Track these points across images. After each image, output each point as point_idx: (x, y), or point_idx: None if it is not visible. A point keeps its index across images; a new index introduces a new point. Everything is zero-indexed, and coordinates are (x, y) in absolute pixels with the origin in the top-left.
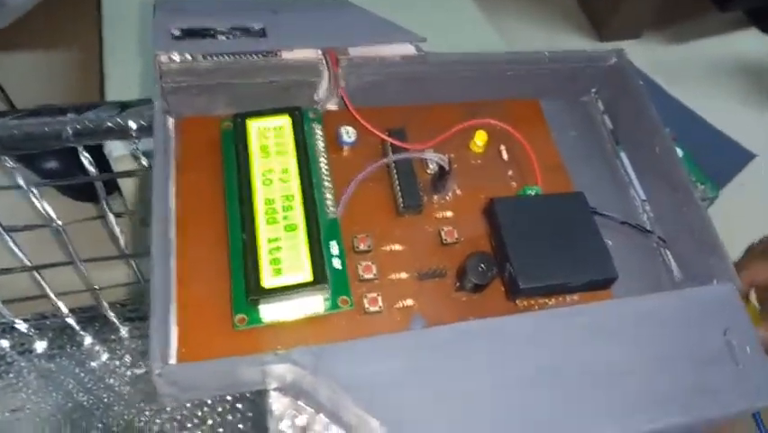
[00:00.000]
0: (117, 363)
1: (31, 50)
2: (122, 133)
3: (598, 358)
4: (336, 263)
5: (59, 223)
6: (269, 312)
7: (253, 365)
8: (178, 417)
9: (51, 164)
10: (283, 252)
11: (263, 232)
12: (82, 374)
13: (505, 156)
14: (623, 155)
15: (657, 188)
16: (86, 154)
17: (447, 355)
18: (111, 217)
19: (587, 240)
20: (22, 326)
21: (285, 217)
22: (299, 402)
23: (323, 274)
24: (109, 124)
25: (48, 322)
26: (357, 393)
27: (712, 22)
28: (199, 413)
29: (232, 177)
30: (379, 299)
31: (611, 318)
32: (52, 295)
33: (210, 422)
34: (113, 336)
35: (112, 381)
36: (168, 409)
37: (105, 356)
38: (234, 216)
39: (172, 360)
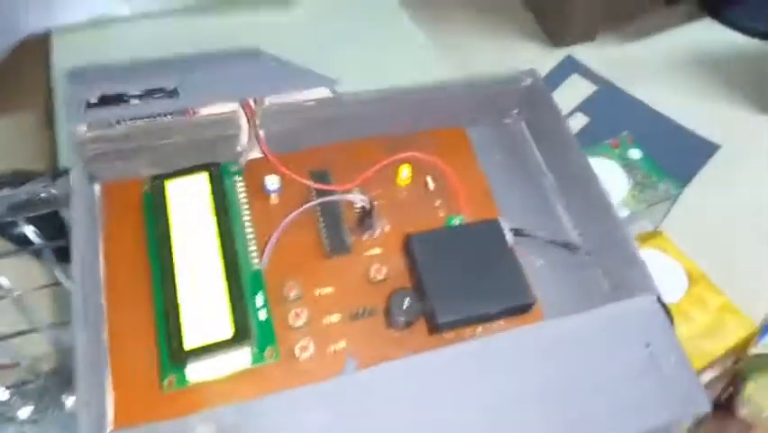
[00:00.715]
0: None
1: None
2: (55, 203)
3: (521, 384)
4: (262, 315)
5: (17, 292)
6: (196, 372)
7: (180, 429)
8: None
9: (24, 230)
10: (204, 310)
11: (184, 292)
12: None
13: (431, 186)
14: (549, 175)
15: (579, 205)
16: (32, 227)
17: (370, 399)
18: (66, 283)
19: (502, 267)
20: (3, 394)
21: (206, 275)
22: None
23: (244, 329)
24: (43, 194)
25: (28, 388)
26: None
27: (664, 16)
28: None
29: (152, 240)
30: (311, 345)
31: (533, 342)
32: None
33: None
34: None
35: None
36: None
37: None
38: (157, 278)
39: (108, 428)
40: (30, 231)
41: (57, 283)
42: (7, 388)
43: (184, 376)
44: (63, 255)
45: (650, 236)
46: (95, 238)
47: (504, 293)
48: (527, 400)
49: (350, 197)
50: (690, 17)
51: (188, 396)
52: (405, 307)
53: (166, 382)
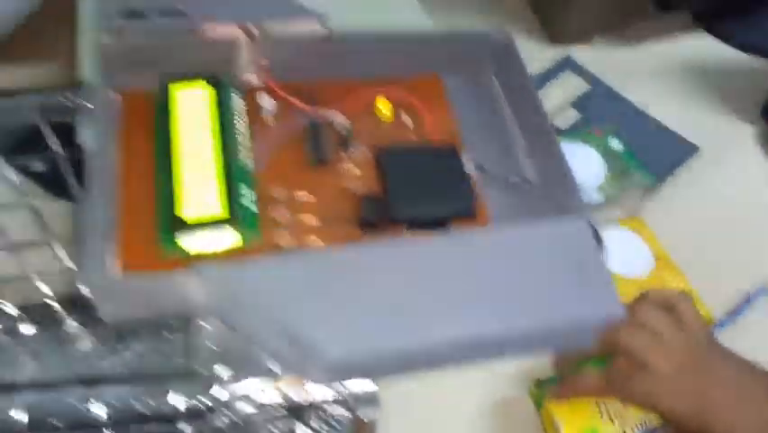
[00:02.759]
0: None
1: (10, 66)
2: (78, 111)
3: (460, 272)
4: (251, 205)
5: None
6: (190, 242)
7: (169, 278)
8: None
9: (37, 166)
10: (201, 192)
11: (186, 174)
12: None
13: (406, 121)
14: (514, 124)
15: (535, 147)
16: (51, 132)
17: (336, 269)
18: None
19: (454, 179)
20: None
21: (204, 165)
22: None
23: (233, 212)
24: (67, 103)
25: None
26: (259, 303)
27: (660, 25)
28: None
29: (159, 134)
30: (289, 238)
31: (474, 241)
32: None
33: None
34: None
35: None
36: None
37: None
38: (161, 163)
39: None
40: (48, 133)
41: (71, 197)
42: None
43: (179, 245)
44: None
45: (628, 220)
46: (112, 135)
47: (453, 197)
48: (466, 287)
49: (334, 116)
50: (686, 28)
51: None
52: (371, 207)
53: (163, 249)
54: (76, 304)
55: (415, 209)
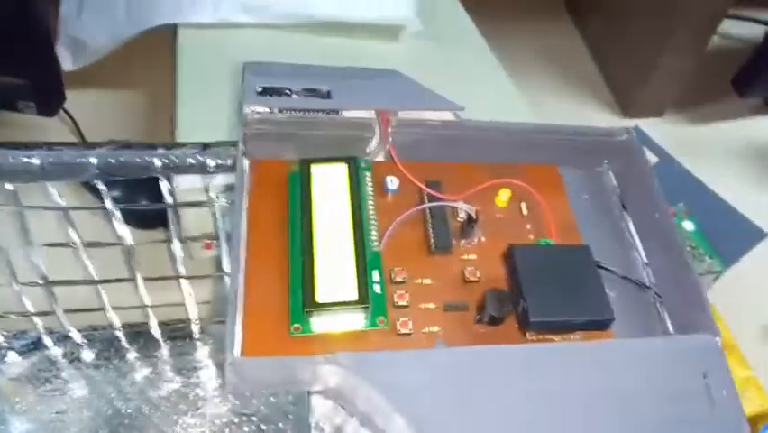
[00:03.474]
0: (157, 376)
1: (104, 89)
2: (201, 169)
3: (587, 384)
4: (377, 288)
5: (131, 242)
6: (320, 324)
7: (306, 364)
8: (208, 431)
9: (115, 193)
10: (334, 274)
11: (319, 257)
12: (123, 384)
13: (525, 212)
14: (629, 221)
15: (655, 250)
16: (167, 183)
17: (467, 372)
18: (176, 242)
19: (590, 286)
20: (76, 335)
21: (338, 247)
22: (338, 406)
23: (366, 295)
24: (191, 160)
25: (97, 334)
26: (389, 395)
27: (732, 106)
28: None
29: (296, 211)
30: (410, 323)
31: (604, 354)
32: (110, 307)
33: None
34: (155, 353)
35: (151, 392)
36: (198, 423)
37: (146, 370)
38: (296, 243)
39: (238, 354)
40: (165, 188)
41: (166, 240)
42: (79, 331)
43: (309, 325)
44: (141, 222)
45: None
46: (243, 204)
47: (589, 307)
48: (593, 401)
49: (457, 204)
50: (756, 111)
51: (310, 343)
52: (498, 303)
53: (293, 327)
54: (140, 335)
55: (552, 313)
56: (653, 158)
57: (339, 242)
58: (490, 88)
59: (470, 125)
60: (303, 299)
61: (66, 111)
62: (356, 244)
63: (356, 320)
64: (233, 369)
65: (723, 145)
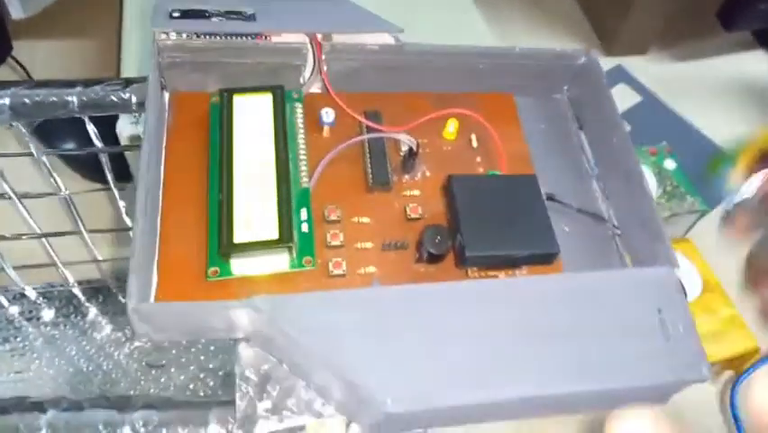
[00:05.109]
0: (119, 334)
1: (55, 37)
2: (124, 107)
3: (531, 321)
4: (304, 227)
5: (66, 192)
6: (239, 266)
7: (219, 309)
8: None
9: (69, 144)
10: (255, 213)
11: (238, 194)
12: (84, 343)
13: (474, 144)
14: (588, 150)
15: (614, 180)
16: (93, 127)
17: (395, 311)
18: (115, 191)
19: (533, 218)
20: (31, 293)
21: (259, 183)
22: (265, 353)
23: (288, 234)
24: (113, 97)
25: (55, 292)
26: (309, 338)
27: (718, 41)
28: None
29: (215, 146)
30: (344, 264)
31: (551, 288)
32: (59, 263)
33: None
34: (115, 310)
35: (112, 350)
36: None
37: (108, 328)
38: (214, 179)
39: (150, 300)
40: (92, 130)
41: (107, 188)
42: (35, 289)
43: (228, 268)
44: (96, 173)
45: (677, 241)
46: (160, 142)
47: (531, 240)
48: (538, 338)
49: (397, 136)
50: (743, 47)
51: (229, 286)
52: (437, 239)
53: (211, 271)
54: (100, 292)
55: (489, 247)
56: (636, 97)
57: (262, 178)
58: (450, 18)
59: (413, 49)
60: (219, 240)
61: (14, 58)
62: (280, 180)
63: (280, 261)
64: (138, 316)
65: (710, 82)
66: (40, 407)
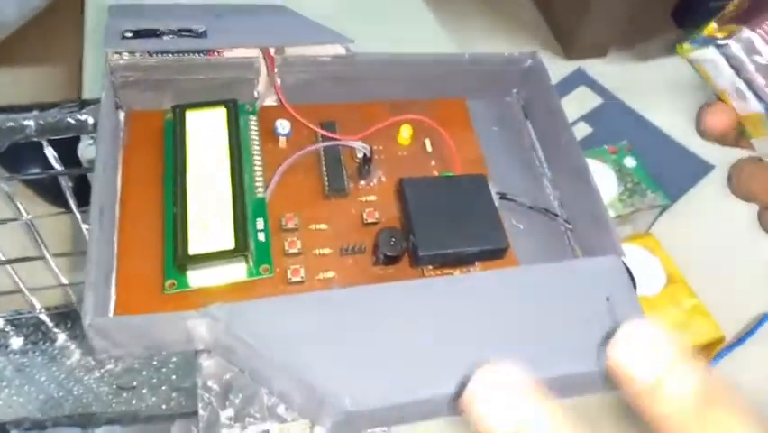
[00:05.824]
0: (89, 358)
1: (19, 64)
2: (81, 129)
3: (486, 314)
4: (261, 236)
5: (29, 216)
6: (196, 278)
7: (176, 320)
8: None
9: (34, 169)
10: (210, 224)
11: (192, 207)
12: (54, 369)
13: (429, 148)
14: (539, 150)
15: (563, 176)
16: (52, 150)
17: (351, 311)
18: (77, 214)
19: (482, 215)
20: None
21: (215, 195)
22: (226, 363)
23: (244, 243)
24: (70, 120)
25: (23, 319)
26: (266, 344)
27: (675, 40)
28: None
29: (169, 160)
30: (302, 270)
31: (501, 281)
32: (25, 290)
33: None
34: (84, 334)
35: (82, 375)
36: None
37: (77, 353)
38: (169, 193)
39: (108, 315)
40: (50, 154)
41: (68, 210)
42: (1, 317)
43: (185, 280)
44: (60, 198)
45: (639, 235)
46: (115, 159)
47: (481, 236)
48: (494, 331)
49: (352, 143)
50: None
51: (187, 299)
52: (391, 241)
53: (168, 284)
54: (68, 318)
55: (441, 246)
56: (597, 99)
57: (217, 190)
58: (408, 27)
59: (364, 59)
60: (174, 253)
61: None
62: (234, 191)
63: (237, 271)
64: (94, 331)
65: (668, 82)
66: (2, 428)
